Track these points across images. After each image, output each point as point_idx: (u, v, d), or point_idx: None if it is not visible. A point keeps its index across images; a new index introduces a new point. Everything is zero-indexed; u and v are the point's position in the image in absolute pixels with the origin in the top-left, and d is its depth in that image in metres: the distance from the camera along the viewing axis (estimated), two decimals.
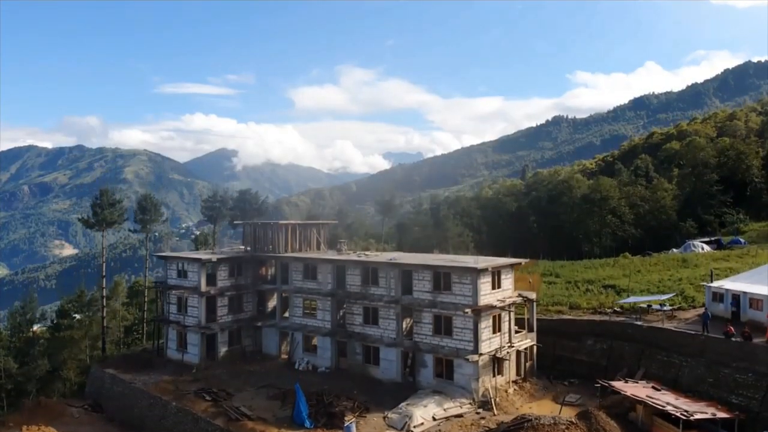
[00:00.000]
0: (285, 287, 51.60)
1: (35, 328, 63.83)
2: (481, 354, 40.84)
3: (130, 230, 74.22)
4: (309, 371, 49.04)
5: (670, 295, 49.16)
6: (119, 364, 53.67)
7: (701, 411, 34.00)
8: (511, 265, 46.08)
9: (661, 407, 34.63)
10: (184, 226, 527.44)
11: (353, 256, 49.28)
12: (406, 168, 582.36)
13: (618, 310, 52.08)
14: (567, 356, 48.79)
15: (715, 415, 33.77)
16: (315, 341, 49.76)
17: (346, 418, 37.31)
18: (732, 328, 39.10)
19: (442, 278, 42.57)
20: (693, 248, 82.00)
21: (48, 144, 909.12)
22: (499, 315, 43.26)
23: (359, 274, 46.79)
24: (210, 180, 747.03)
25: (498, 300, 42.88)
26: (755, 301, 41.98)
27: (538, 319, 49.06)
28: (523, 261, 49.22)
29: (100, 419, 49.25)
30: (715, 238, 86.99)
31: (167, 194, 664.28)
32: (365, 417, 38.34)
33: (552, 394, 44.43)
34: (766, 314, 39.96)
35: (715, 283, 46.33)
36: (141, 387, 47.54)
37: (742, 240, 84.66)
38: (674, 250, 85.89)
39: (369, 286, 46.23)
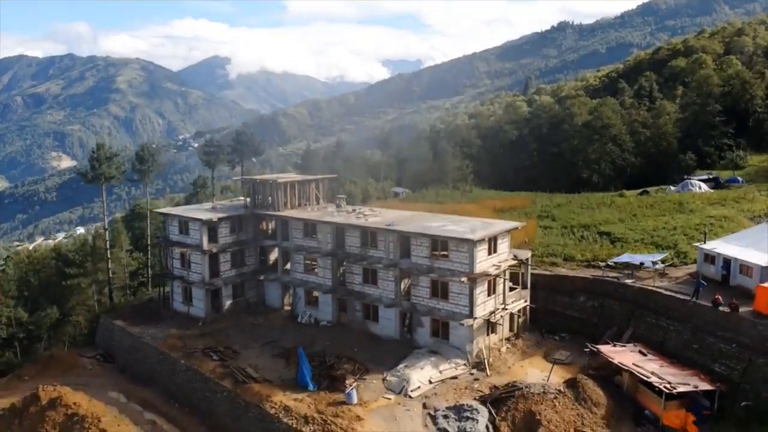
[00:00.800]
0: (286, 244, 52.53)
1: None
2: (475, 318, 42.41)
3: (129, 180, 74.15)
4: (311, 324, 51.03)
5: (663, 255, 50.10)
6: (127, 315, 55.62)
7: (684, 383, 35.94)
8: (508, 231, 46.61)
9: (645, 378, 36.55)
10: (180, 137, 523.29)
11: (352, 218, 49.74)
12: (406, 78, 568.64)
13: (611, 264, 53.34)
14: (559, 311, 50.56)
15: (696, 387, 35.72)
16: (316, 294, 51.34)
17: (347, 382, 39.39)
18: (720, 297, 40.38)
19: (439, 245, 43.39)
20: (690, 187, 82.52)
21: (38, 53, 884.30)
22: (494, 278, 44.47)
23: (358, 237, 47.57)
24: (204, 89, 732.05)
25: (493, 265, 43.90)
26: (745, 268, 42.98)
27: (532, 274, 50.31)
28: (519, 225, 49.60)
29: (111, 370, 51.83)
30: (713, 176, 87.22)
31: (162, 104, 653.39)
32: (365, 379, 40.43)
33: (543, 350, 46.55)
34: (755, 283, 41.07)
35: (708, 245, 47.14)
36: (150, 342, 49.66)
37: (740, 179, 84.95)
38: (671, 188, 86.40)
39: (368, 248, 47.12)
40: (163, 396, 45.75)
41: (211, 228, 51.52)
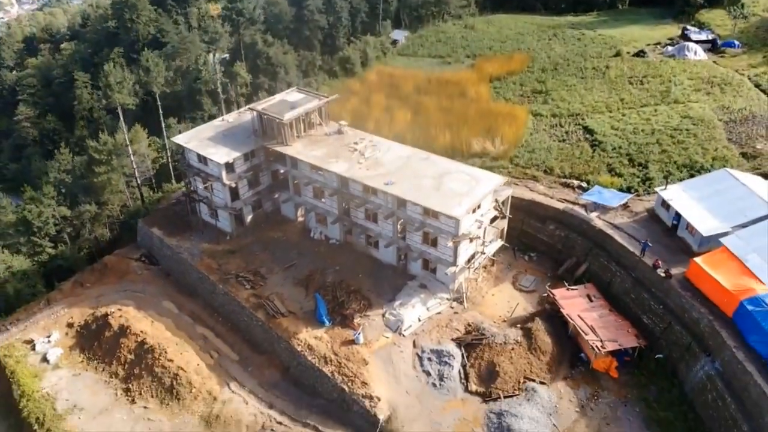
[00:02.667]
0: (295, 173, 58.80)
1: None
2: (458, 266, 51.75)
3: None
4: (322, 241, 60.40)
5: (627, 197, 56.66)
6: (162, 223, 64.42)
7: (613, 339, 46.93)
8: (493, 193, 52.74)
9: (584, 334, 47.52)
10: None
11: (354, 162, 55.13)
12: None
13: (584, 186, 60.53)
14: (531, 233, 59.58)
15: (621, 345, 46.82)
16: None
17: (355, 322, 50.55)
18: (659, 261, 49.14)
19: (431, 212, 50.29)
20: (686, 52, 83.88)
21: None
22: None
23: (360, 186, 53.93)
24: None
25: (476, 221, 51.50)
26: (690, 227, 50.76)
27: (512, 196, 57.31)
28: (504, 181, 54.67)
29: (158, 274, 62.71)
30: (712, 37, 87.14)
31: None
32: (368, 316, 51.51)
33: (513, 275, 56.93)
34: (696, 242, 49.40)
35: (665, 193, 53.72)
36: (188, 259, 59.63)
37: (737, 42, 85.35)
38: (669, 48, 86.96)
39: (369, 195, 53.91)
40: (208, 310, 57.51)
41: (228, 164, 57.30)
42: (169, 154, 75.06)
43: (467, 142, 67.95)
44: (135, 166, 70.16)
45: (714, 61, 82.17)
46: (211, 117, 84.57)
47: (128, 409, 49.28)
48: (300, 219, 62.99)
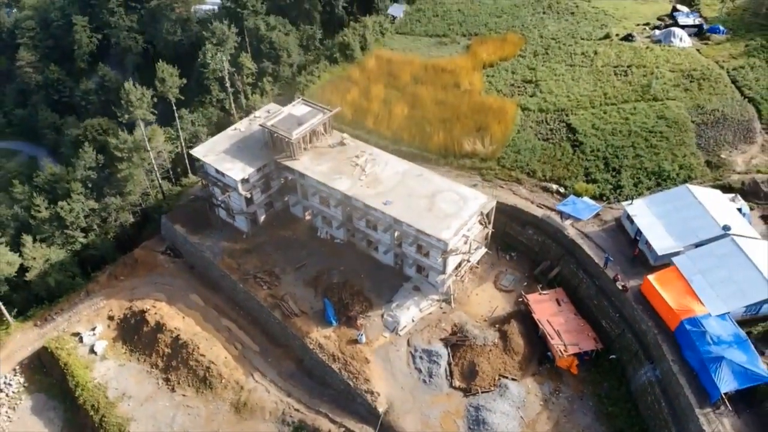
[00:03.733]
0: (303, 182, 65.35)
1: None
2: (446, 273, 59.81)
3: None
4: (328, 240, 68.07)
5: (598, 209, 63.43)
6: (184, 220, 71.67)
7: (574, 343, 55.86)
8: (479, 212, 59.61)
9: (550, 338, 56.34)
10: None
11: (357, 182, 61.57)
12: None
13: (562, 191, 67.44)
14: (512, 235, 67.13)
15: (581, 349, 55.74)
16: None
17: (358, 323, 59.29)
18: (619, 276, 57.12)
19: (423, 233, 57.51)
20: (672, 39, 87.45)
21: None
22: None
23: (362, 203, 60.80)
24: None
25: (463, 236, 58.93)
26: (648, 243, 58.27)
27: (498, 201, 64.42)
28: (493, 203, 61.23)
29: (183, 267, 70.74)
30: (699, 21, 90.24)
31: None
32: (369, 316, 60.21)
33: (495, 274, 65.01)
34: (654, 258, 57.11)
35: (630, 209, 60.65)
36: (210, 258, 67.50)
37: (722, 28, 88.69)
38: (656, 33, 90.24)
39: (370, 209, 60.92)
40: (230, 303, 66.09)
41: (244, 179, 63.83)
42: (183, 144, 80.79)
43: (459, 142, 73.83)
44: (154, 162, 76.26)
45: (698, 49, 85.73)
46: (219, 101, 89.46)
47: (169, 396, 59.13)
48: (308, 218, 70.24)
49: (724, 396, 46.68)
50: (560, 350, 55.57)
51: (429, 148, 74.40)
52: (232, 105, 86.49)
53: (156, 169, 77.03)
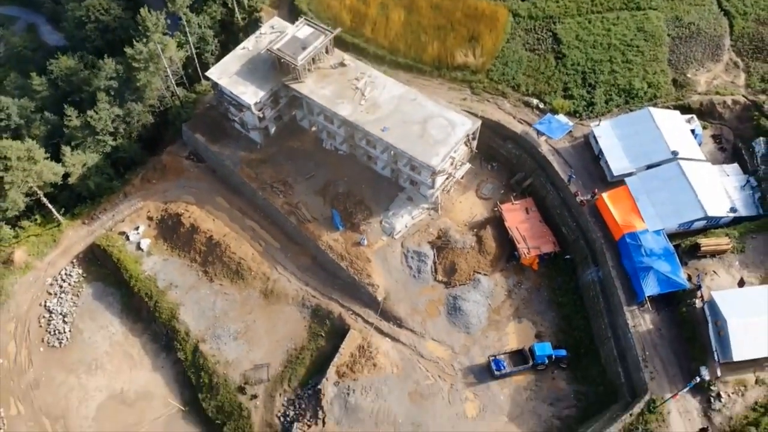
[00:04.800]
0: (308, 101, 72.91)
1: None
2: (435, 188, 70.50)
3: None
4: (332, 151, 77.43)
5: (570, 129, 71.87)
6: (203, 129, 79.92)
7: (536, 246, 68.36)
8: (467, 135, 68.19)
9: (517, 242, 68.65)
10: None
11: (357, 108, 69.23)
12: None
13: (541, 107, 75.49)
14: (494, 147, 76.52)
15: (542, 251, 68.27)
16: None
17: (361, 229, 71.23)
18: (579, 192, 67.79)
19: (415, 159, 66.89)
20: None
21: None
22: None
23: (362, 129, 69.28)
24: None
25: (450, 158, 68.51)
26: (606, 163, 68.17)
27: (483, 117, 73.21)
28: (478, 125, 69.14)
29: (206, 171, 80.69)
30: None
31: None
32: (370, 223, 71.98)
33: (477, 183, 75.62)
34: (610, 175, 67.33)
35: (596, 129, 69.52)
36: (231, 166, 77.26)
37: None
38: None
39: (369, 133, 69.54)
40: (252, 206, 77.24)
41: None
42: (192, 48, 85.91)
43: (452, 54, 79.74)
44: (168, 70, 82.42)
45: None
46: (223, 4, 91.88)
47: (209, 285, 72.87)
48: (313, 129, 78.75)
49: (648, 298, 60.29)
50: (524, 252, 68.36)
51: (423, 59, 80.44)
52: (235, 4, 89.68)
53: (171, 75, 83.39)
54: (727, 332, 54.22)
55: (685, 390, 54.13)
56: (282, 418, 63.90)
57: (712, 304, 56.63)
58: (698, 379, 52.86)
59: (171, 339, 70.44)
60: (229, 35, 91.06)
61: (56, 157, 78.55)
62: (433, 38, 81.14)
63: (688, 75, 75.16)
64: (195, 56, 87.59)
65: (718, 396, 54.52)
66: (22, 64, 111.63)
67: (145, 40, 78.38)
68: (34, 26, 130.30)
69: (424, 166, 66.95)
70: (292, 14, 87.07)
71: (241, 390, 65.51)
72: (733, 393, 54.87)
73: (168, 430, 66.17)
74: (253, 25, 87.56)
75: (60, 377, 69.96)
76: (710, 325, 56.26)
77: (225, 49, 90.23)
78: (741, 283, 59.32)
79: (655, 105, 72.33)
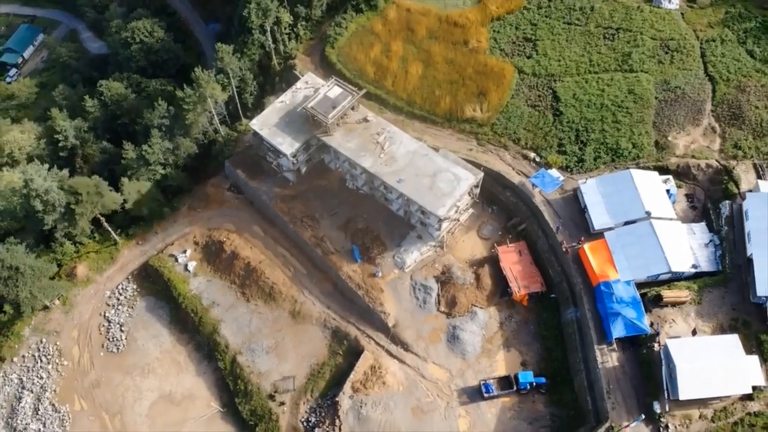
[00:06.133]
0: (334, 149, 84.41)
1: None
2: (441, 231, 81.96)
3: None
4: (354, 190, 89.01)
5: (560, 184, 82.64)
6: (243, 166, 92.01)
7: (526, 285, 79.67)
8: (471, 186, 79.30)
9: (511, 280, 79.96)
10: None
11: (377, 160, 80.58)
12: None
13: (537, 160, 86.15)
14: (495, 193, 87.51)
15: (531, 290, 79.54)
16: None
17: (376, 262, 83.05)
18: (564, 241, 78.70)
19: (425, 207, 78.35)
20: (662, 0, 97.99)
21: None
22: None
23: (380, 179, 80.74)
24: None
25: (455, 206, 79.83)
26: (590, 218, 78.98)
27: (486, 168, 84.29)
28: (480, 177, 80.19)
29: (245, 202, 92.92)
30: None
31: None
32: (384, 256, 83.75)
33: (478, 224, 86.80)
34: (592, 229, 78.26)
35: (583, 186, 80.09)
36: (266, 200, 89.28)
37: None
38: None
39: (386, 183, 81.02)
40: (284, 236, 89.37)
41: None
42: (234, 89, 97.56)
43: (461, 108, 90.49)
44: (213, 110, 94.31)
45: (682, 13, 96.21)
46: (260, 44, 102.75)
47: (245, 305, 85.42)
48: (339, 169, 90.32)
49: (615, 339, 71.50)
50: (516, 290, 79.78)
51: (437, 112, 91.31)
52: (272, 50, 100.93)
53: (215, 114, 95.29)
54: (676, 375, 65.47)
55: (634, 423, 65.68)
56: (305, 423, 76.65)
57: (666, 350, 67.78)
58: (643, 417, 64.65)
59: (212, 350, 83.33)
60: (267, 77, 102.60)
61: (111, 181, 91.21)
62: (446, 93, 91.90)
63: (669, 138, 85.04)
64: (236, 95, 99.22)
65: (666, 427, 65.97)
66: (66, 71, 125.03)
67: (195, 85, 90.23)
68: (75, 32, 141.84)
69: (433, 214, 78.36)
70: (323, 62, 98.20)
71: (271, 397, 78.26)
72: (679, 425, 66.27)
73: (209, 428, 79.33)
74: (288, 70, 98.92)
75: (117, 378, 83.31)
76: (664, 367, 67.51)
77: (262, 89, 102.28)
78: (694, 332, 70.34)
79: (637, 165, 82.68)
